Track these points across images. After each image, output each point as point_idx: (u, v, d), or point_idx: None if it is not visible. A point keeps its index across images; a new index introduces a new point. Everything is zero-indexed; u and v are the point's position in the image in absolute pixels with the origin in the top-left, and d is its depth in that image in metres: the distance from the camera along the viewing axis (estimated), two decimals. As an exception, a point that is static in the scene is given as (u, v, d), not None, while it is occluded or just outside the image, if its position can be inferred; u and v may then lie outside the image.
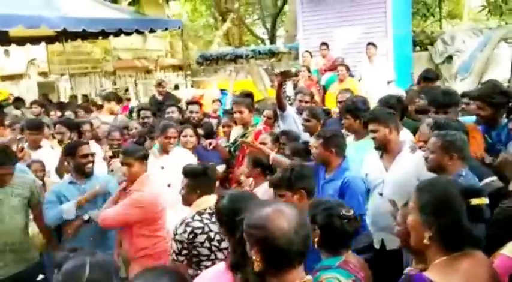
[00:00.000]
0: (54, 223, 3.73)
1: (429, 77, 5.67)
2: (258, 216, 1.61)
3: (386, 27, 9.03)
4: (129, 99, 11.35)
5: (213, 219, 2.65)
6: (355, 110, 4.17)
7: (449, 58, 9.87)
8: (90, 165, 3.82)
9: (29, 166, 4.73)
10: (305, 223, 1.64)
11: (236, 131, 5.15)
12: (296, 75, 6.47)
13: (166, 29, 11.85)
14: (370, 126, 3.54)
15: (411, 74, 8.90)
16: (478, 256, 1.75)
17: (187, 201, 3.06)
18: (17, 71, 16.59)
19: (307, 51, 9.00)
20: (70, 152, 3.82)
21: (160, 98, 8.08)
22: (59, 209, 3.64)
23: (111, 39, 14.67)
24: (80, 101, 11.86)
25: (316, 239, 2.22)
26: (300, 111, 5.66)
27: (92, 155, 3.87)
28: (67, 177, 3.94)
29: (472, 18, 19.90)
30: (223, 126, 5.43)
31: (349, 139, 4.36)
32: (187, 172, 3.10)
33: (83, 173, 3.80)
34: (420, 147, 3.70)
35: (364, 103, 4.33)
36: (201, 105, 5.99)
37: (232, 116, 5.51)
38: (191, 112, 5.69)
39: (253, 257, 1.60)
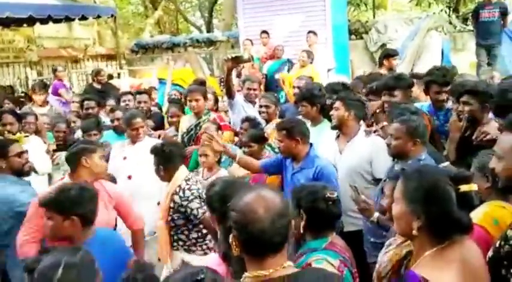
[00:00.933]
0: None
1: (390, 53, 5.98)
2: (240, 199, 1.56)
3: (325, 16, 9.20)
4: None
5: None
6: (311, 97, 4.23)
7: (383, 46, 10.26)
8: (27, 164, 3.51)
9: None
10: (286, 214, 1.57)
11: (187, 120, 5.04)
12: (249, 60, 6.40)
13: (99, 16, 11.33)
14: (334, 105, 3.65)
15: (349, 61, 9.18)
16: (467, 243, 1.68)
17: (165, 178, 3.37)
18: None
19: (248, 39, 8.97)
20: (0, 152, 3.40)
21: (98, 87, 7.77)
22: None
23: (35, 27, 13.81)
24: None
25: (302, 224, 2.23)
26: (248, 99, 5.64)
27: (25, 152, 3.55)
28: None
29: (395, 9, 20.85)
30: (171, 116, 5.29)
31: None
32: (152, 151, 3.43)
33: (20, 173, 3.47)
34: (375, 131, 3.86)
35: (319, 90, 4.41)
36: (149, 95, 5.80)
37: (179, 105, 5.41)
38: (139, 102, 5.51)
39: (231, 241, 1.57)
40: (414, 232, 1.65)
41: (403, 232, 1.74)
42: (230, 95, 5.21)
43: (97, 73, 7.76)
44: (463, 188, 1.65)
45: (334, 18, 9.33)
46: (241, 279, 1.56)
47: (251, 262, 1.55)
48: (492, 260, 1.75)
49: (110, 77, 11.43)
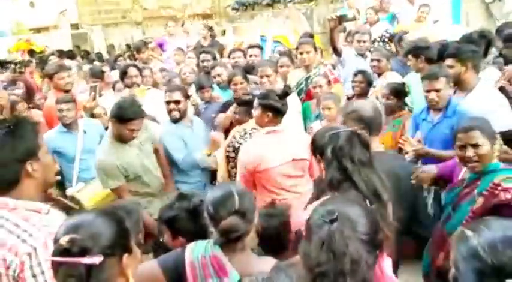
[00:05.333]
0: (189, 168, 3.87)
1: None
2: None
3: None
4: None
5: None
6: (418, 49, 4.23)
7: (502, -4, 9.38)
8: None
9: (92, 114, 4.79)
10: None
11: (297, 74, 5.04)
12: (354, 19, 6.25)
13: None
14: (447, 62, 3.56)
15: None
16: None
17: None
18: (46, 23, 16.47)
19: (353, -8, 8.65)
20: None
21: (205, 43, 7.99)
22: (193, 157, 3.79)
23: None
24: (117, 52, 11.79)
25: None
26: (359, 52, 5.58)
27: None
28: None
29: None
30: (280, 66, 5.28)
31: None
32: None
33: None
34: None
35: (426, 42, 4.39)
36: (261, 49, 5.90)
37: (289, 57, 5.40)
38: (250, 56, 5.63)
39: None
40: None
41: None
42: (337, 52, 5.30)
43: (210, 28, 8.00)
44: None
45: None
46: None
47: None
48: None
49: (223, 33, 11.67)
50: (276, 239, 2.27)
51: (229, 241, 1.89)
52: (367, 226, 1.36)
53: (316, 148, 2.31)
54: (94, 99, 4.70)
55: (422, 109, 3.61)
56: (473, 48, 3.61)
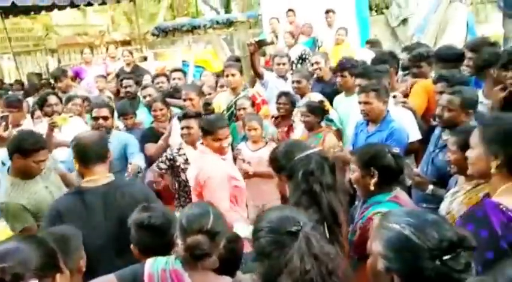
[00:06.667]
0: None
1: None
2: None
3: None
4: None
5: None
6: (352, 67, 4.45)
7: (405, 21, 10.20)
8: None
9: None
10: None
11: (225, 97, 5.14)
12: (272, 43, 6.51)
13: (118, 1, 11.40)
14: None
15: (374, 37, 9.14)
16: None
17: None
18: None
19: (274, 17, 8.96)
20: None
21: (128, 69, 7.89)
22: None
23: (52, 14, 13.92)
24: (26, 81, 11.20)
25: (374, 180, 2.33)
26: (279, 74, 5.69)
27: None
28: None
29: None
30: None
31: (341, 96, 4.73)
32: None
33: None
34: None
35: (356, 61, 4.70)
36: (184, 73, 5.95)
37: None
38: (174, 79, 5.71)
39: None
40: (493, 170, 1.84)
41: (481, 173, 1.94)
42: (259, 75, 5.37)
43: (130, 53, 7.90)
44: None
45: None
46: None
47: None
48: None
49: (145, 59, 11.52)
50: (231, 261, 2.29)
51: (192, 258, 1.89)
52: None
53: (281, 168, 2.30)
54: (6, 129, 4.42)
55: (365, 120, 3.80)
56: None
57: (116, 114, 4.84)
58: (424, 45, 5.50)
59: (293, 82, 4.97)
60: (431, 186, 2.95)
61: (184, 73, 6.44)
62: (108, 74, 7.96)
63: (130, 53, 8.03)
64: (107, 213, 2.53)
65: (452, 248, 1.26)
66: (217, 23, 12.06)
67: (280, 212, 1.57)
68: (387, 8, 10.64)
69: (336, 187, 2.10)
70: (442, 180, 2.97)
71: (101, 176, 2.61)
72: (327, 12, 8.46)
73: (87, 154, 2.60)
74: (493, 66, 3.61)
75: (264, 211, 1.64)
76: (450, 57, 4.11)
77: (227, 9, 15.35)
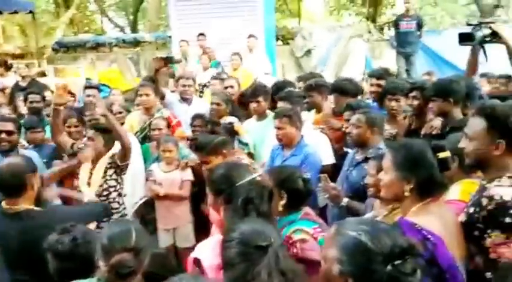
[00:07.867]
0: None
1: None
2: None
3: (257, 21, 9.42)
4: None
5: None
6: (266, 93, 4.61)
7: (309, 52, 10.78)
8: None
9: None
10: None
11: (137, 117, 4.97)
12: (179, 61, 6.45)
13: (16, 12, 10.65)
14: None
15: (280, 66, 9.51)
16: (441, 199, 2.05)
17: None
18: None
19: (183, 40, 8.93)
20: None
21: (24, 84, 7.41)
22: None
23: None
24: None
25: (283, 202, 2.37)
26: (184, 97, 5.49)
27: None
28: None
29: (307, 18, 21.81)
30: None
31: (253, 120, 4.75)
32: None
33: None
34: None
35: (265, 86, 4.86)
36: (99, 90, 5.68)
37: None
38: (88, 96, 5.41)
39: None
40: (406, 193, 1.95)
41: (394, 196, 2.04)
42: (161, 95, 5.12)
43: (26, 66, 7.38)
44: (442, 155, 2.00)
45: (266, 23, 9.61)
46: None
47: None
48: (466, 223, 2.02)
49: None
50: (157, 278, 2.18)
51: (117, 278, 1.82)
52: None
53: (219, 191, 2.11)
54: None
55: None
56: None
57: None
58: (318, 75, 5.75)
59: (212, 104, 4.92)
60: (346, 199, 3.09)
61: (100, 90, 6.13)
62: (4, 89, 7.40)
63: (27, 66, 7.52)
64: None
65: (403, 254, 1.35)
66: (124, 41, 11.74)
67: (253, 226, 1.55)
68: (292, 39, 11.17)
69: (271, 214, 2.10)
70: (357, 195, 3.14)
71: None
72: (249, 37, 8.60)
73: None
74: (394, 95, 3.96)
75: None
76: (347, 90, 4.34)
77: (133, 29, 15.06)
